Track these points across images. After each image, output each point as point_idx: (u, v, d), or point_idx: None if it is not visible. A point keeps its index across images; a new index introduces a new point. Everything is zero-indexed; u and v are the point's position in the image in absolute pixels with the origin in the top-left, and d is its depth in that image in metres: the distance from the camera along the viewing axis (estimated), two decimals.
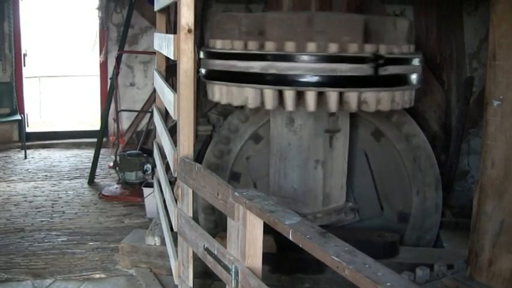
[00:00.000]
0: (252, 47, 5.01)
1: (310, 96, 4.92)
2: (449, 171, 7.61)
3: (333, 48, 4.85)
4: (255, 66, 4.98)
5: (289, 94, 4.95)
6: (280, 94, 5.00)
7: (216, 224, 6.37)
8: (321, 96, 4.94)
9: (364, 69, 4.90)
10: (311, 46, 4.85)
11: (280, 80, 4.92)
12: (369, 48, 4.93)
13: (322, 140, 5.86)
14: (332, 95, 4.91)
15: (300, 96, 4.97)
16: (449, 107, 8.09)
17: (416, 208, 6.32)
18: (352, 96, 4.95)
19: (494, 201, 4.47)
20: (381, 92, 5.02)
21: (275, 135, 6.02)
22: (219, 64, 5.24)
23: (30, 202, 7.87)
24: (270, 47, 4.94)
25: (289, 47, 4.88)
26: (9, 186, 8.55)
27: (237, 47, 5.08)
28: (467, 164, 8.74)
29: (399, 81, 5.14)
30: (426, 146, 6.32)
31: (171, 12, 7.99)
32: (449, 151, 7.85)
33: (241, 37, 5.15)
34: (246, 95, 5.08)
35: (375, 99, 5.02)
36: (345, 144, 6.05)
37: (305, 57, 4.86)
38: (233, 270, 3.34)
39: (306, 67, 4.87)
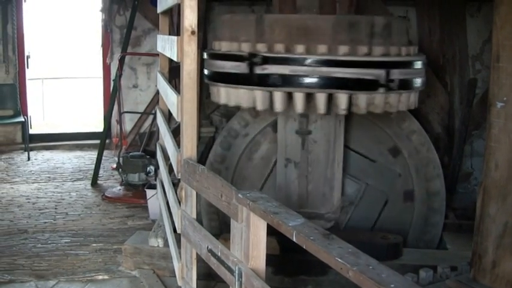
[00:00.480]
0: (261, 49, 5.00)
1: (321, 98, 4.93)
2: (452, 173, 7.61)
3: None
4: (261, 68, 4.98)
5: (298, 96, 4.94)
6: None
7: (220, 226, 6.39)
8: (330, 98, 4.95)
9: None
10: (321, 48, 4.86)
11: (289, 82, 4.92)
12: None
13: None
14: (341, 97, 4.92)
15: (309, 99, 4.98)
16: (452, 109, 8.08)
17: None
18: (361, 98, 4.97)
19: (497, 203, 4.47)
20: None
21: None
22: (227, 66, 5.21)
23: (34, 204, 7.88)
24: (279, 48, 4.94)
25: (300, 49, 4.87)
26: (12, 188, 8.56)
27: (244, 48, 5.06)
28: (471, 166, 8.73)
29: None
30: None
31: (174, 14, 7.99)
32: (452, 153, 7.84)
33: (248, 38, 5.12)
34: (254, 96, 5.08)
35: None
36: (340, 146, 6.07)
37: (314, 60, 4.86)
38: (237, 271, 3.34)
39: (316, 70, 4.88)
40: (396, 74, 4.95)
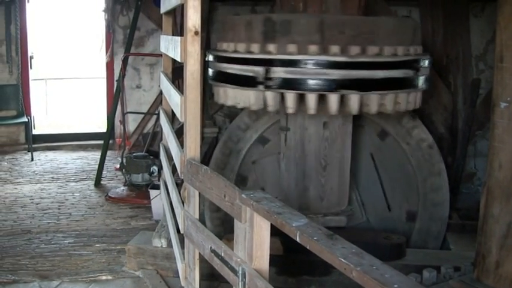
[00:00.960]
0: (272, 49, 5.00)
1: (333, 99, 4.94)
2: (455, 174, 7.60)
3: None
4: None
5: (311, 97, 4.94)
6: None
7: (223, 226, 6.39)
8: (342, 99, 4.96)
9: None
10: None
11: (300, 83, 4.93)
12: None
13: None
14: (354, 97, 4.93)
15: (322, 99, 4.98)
16: (455, 109, 8.07)
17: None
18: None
19: (501, 203, 4.47)
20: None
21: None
22: (237, 67, 5.21)
23: (37, 204, 7.89)
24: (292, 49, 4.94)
25: (312, 50, 4.87)
26: (16, 188, 8.57)
27: (253, 49, 5.06)
28: (474, 166, 8.73)
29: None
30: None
31: (178, 15, 8.01)
32: (455, 153, 7.83)
33: (256, 39, 5.12)
34: (264, 97, 5.08)
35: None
36: (348, 146, 6.07)
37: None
38: (240, 272, 3.34)
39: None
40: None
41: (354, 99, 4.94)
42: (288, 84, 4.94)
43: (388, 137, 6.40)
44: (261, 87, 5.03)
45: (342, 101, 4.97)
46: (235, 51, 5.23)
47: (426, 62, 5.27)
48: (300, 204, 5.84)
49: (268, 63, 4.96)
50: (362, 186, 6.50)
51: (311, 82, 4.88)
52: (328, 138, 5.84)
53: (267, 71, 4.96)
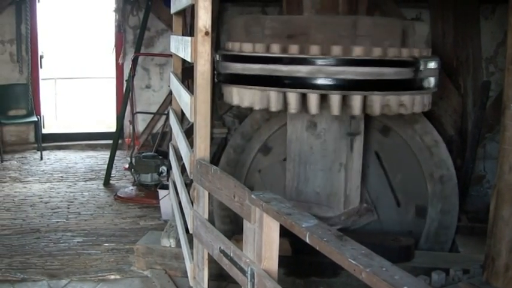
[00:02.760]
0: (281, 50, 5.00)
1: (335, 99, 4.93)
2: (465, 176, 7.58)
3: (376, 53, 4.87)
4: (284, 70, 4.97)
5: (313, 97, 4.93)
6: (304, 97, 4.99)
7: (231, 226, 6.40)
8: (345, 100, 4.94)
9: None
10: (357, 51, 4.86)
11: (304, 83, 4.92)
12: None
13: (344, 142, 5.86)
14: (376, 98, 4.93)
15: (324, 100, 4.96)
16: (465, 112, 8.06)
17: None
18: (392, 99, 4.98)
19: (511, 206, 4.45)
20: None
21: (293, 140, 5.98)
22: (242, 67, 5.20)
23: (46, 203, 7.91)
24: (314, 50, 4.92)
25: (336, 51, 4.87)
26: (25, 187, 8.60)
27: (269, 50, 5.05)
28: (483, 169, 8.70)
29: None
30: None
31: (188, 15, 8.01)
32: (465, 156, 7.81)
33: (269, 40, 5.11)
34: (269, 97, 5.07)
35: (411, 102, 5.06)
36: (361, 146, 6.02)
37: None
38: (249, 272, 3.34)
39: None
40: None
41: (376, 99, 4.92)
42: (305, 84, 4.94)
43: (391, 133, 6.38)
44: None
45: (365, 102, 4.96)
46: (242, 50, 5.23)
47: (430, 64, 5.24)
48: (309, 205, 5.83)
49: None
50: (370, 184, 6.48)
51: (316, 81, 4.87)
52: (317, 139, 5.84)
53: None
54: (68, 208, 7.73)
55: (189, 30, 7.93)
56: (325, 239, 2.74)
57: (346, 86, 4.85)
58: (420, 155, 6.27)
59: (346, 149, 5.86)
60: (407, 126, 6.22)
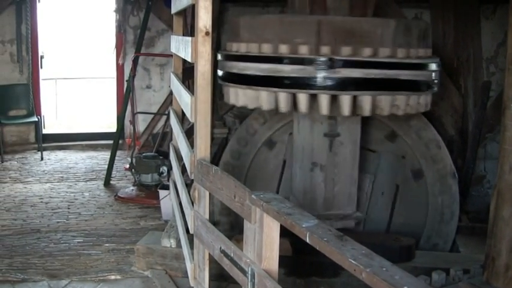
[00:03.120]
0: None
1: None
2: (465, 176, 7.58)
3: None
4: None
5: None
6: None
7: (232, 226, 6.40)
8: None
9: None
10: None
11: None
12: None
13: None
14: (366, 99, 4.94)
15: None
16: (466, 112, 8.05)
17: None
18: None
19: (511, 206, 4.45)
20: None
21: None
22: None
23: (47, 203, 7.91)
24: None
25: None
26: (25, 188, 8.60)
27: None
28: (484, 169, 8.69)
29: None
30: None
31: (188, 15, 8.01)
32: (465, 156, 7.81)
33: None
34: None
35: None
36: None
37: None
38: (249, 272, 3.34)
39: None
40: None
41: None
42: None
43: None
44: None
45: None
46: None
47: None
48: (309, 207, 5.83)
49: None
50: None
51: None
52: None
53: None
54: (69, 208, 7.73)
55: (189, 30, 7.93)
56: (325, 239, 2.74)
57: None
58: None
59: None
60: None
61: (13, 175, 9.22)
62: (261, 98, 5.06)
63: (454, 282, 5.05)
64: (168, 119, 8.47)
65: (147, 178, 8.33)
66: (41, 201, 7.98)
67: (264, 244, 3.26)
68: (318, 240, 2.77)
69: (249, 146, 6.52)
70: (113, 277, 5.77)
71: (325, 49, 4.84)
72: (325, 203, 5.96)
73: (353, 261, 2.51)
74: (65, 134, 11.91)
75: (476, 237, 6.11)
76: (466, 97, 8.09)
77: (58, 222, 7.21)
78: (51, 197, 8.17)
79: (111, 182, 8.95)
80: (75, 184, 8.86)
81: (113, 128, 11.09)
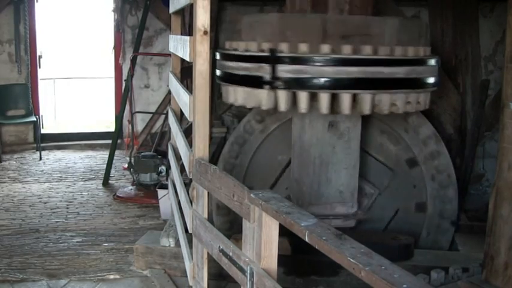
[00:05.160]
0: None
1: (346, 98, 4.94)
2: (464, 175, 7.58)
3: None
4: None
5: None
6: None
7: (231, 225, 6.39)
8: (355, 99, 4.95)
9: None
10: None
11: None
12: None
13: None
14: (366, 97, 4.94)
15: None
16: (464, 110, 8.05)
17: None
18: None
19: (510, 204, 4.45)
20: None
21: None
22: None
23: (45, 203, 7.90)
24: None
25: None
26: (24, 187, 8.60)
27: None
28: (482, 168, 8.70)
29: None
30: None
31: (186, 15, 8.01)
32: (464, 154, 7.81)
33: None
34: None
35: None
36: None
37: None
38: (248, 271, 3.34)
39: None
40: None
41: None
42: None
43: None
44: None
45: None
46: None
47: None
48: (309, 205, 5.83)
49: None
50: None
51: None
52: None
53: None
54: (67, 208, 7.73)
55: (187, 29, 7.93)
56: (324, 238, 2.74)
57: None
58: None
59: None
60: None
61: (12, 175, 9.22)
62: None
63: (453, 281, 5.06)
64: (166, 118, 8.47)
65: (146, 177, 8.33)
66: (40, 201, 7.97)
67: (263, 243, 3.26)
68: (316, 239, 2.77)
69: (247, 146, 6.51)
70: (111, 276, 5.77)
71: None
72: (330, 200, 5.98)
73: (352, 260, 2.51)
74: (64, 133, 11.93)
75: (475, 236, 6.10)
76: (464, 95, 8.09)
77: (57, 221, 7.21)
78: (49, 197, 8.17)
79: (110, 181, 8.95)
80: (74, 184, 8.86)
81: (111, 127, 11.10)
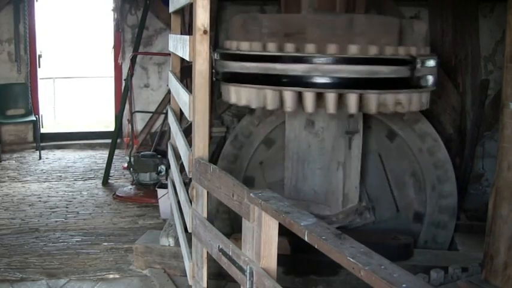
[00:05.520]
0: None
1: (331, 97, 4.92)
2: (463, 174, 7.58)
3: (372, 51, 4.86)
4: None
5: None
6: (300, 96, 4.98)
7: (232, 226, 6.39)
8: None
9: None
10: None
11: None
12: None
13: (343, 141, 5.85)
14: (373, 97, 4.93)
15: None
16: (464, 110, 8.06)
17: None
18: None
19: (510, 204, 4.45)
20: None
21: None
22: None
23: (45, 202, 7.90)
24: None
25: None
26: (24, 187, 8.59)
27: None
28: (482, 167, 8.70)
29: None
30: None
31: (186, 14, 8.01)
32: (464, 154, 7.81)
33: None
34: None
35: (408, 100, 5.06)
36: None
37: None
38: (248, 271, 3.34)
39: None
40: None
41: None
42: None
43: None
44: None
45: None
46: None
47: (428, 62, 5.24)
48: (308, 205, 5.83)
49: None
50: (369, 186, 6.48)
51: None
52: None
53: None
54: (67, 207, 7.73)
55: (187, 29, 7.94)
56: (323, 237, 2.74)
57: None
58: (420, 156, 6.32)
59: (344, 148, 5.86)
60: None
61: (11, 174, 9.22)
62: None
63: (452, 281, 5.06)
64: (166, 117, 8.47)
65: (146, 177, 8.34)
66: (39, 201, 7.97)
67: (262, 242, 3.25)
68: (316, 238, 2.77)
69: (245, 148, 6.52)
70: (111, 276, 5.77)
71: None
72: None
73: (351, 260, 2.51)
74: (63, 133, 11.94)
75: (475, 236, 6.10)
76: (464, 95, 8.09)
77: (56, 221, 7.21)
78: (49, 196, 8.17)
79: (110, 181, 8.94)
80: (74, 183, 8.86)
81: (111, 127, 11.09)
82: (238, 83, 5.23)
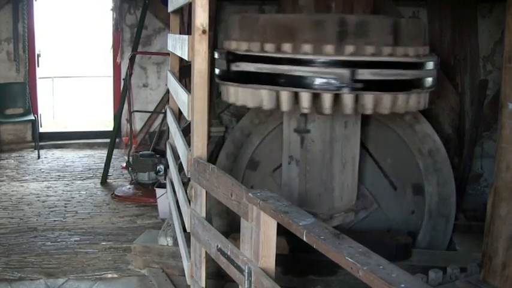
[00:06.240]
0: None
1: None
2: (462, 174, 7.58)
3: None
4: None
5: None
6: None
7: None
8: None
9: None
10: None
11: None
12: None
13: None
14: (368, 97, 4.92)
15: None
16: (463, 110, 8.06)
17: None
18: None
19: (508, 204, 4.45)
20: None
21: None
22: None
23: (43, 202, 7.90)
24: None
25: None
26: (22, 186, 8.58)
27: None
28: (481, 167, 8.71)
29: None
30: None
31: (185, 14, 8.01)
32: (462, 154, 7.82)
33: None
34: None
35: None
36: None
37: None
38: (246, 271, 3.34)
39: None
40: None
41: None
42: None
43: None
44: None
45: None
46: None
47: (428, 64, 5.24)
48: (311, 204, 5.83)
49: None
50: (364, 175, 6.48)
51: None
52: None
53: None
54: (65, 207, 7.72)
55: (186, 28, 7.94)
56: (322, 237, 2.74)
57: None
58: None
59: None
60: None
61: (10, 173, 9.21)
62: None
63: (451, 281, 5.06)
64: (164, 117, 8.47)
65: (144, 176, 8.33)
66: (38, 200, 7.97)
67: (261, 242, 3.26)
68: (314, 238, 2.77)
69: (245, 147, 6.52)
70: (109, 275, 5.77)
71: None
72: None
73: (350, 259, 2.51)
74: (62, 132, 11.93)
75: (473, 236, 6.11)
76: (463, 95, 8.09)
77: (55, 220, 7.21)
78: (48, 196, 8.16)
79: (108, 180, 8.93)
80: (72, 182, 8.85)
81: (109, 126, 11.09)
82: (238, 83, 5.23)
